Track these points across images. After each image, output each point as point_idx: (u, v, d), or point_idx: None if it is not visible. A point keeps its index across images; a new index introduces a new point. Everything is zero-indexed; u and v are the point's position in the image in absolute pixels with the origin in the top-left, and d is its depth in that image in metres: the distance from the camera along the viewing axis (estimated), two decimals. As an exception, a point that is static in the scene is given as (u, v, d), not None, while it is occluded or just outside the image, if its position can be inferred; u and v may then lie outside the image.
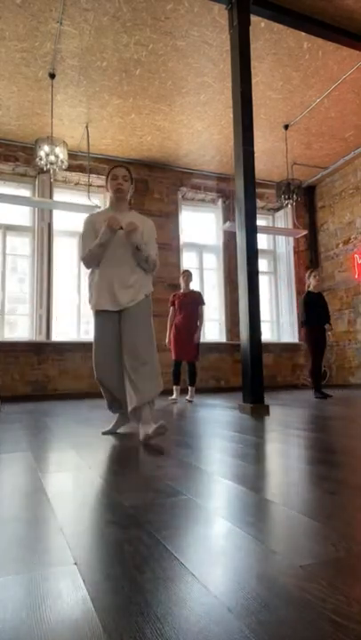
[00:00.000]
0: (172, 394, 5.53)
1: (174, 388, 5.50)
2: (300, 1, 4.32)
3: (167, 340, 5.58)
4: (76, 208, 6.20)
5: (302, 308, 5.57)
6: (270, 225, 8.39)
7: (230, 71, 4.37)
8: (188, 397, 5.41)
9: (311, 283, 5.73)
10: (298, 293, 7.83)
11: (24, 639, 0.66)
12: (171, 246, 7.29)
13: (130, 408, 2.59)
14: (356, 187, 7.41)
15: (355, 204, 7.45)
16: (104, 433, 2.79)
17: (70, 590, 0.82)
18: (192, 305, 5.53)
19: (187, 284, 5.63)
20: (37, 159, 5.21)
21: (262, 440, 2.44)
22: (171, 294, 5.82)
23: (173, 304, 5.63)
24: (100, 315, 2.70)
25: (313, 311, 5.52)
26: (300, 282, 7.96)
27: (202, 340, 7.48)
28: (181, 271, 5.99)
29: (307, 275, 5.87)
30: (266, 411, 3.81)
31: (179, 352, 5.47)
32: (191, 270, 5.89)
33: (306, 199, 8.26)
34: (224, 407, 4.56)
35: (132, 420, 2.74)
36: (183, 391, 5.77)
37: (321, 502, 1.31)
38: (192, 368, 5.50)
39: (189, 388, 5.49)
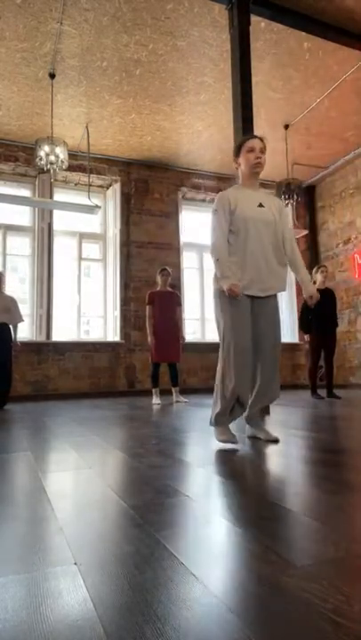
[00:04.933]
0: (152, 397, 5.27)
1: (154, 391, 5.23)
2: (301, 1, 4.32)
3: (149, 341, 5.28)
4: (76, 208, 6.20)
5: (301, 310, 5.41)
6: (270, 225, 8.38)
7: (230, 71, 4.37)
8: (181, 399, 5.29)
9: (318, 279, 5.45)
10: (298, 293, 7.82)
11: (24, 639, 0.67)
12: (171, 246, 7.29)
13: (255, 408, 2.46)
14: (356, 187, 7.41)
15: (355, 204, 7.45)
16: (226, 441, 2.30)
17: (70, 590, 0.82)
18: (171, 305, 5.35)
19: (165, 284, 5.41)
20: (37, 159, 5.20)
21: (262, 440, 2.44)
22: (148, 292, 5.49)
23: (151, 303, 5.33)
24: (237, 300, 2.36)
25: (317, 311, 5.27)
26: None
27: (202, 340, 7.52)
28: (160, 269, 5.54)
29: (313, 270, 5.61)
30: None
31: (163, 354, 5.23)
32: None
33: (306, 199, 8.26)
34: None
35: (251, 421, 2.51)
36: (162, 393, 5.42)
37: (321, 502, 1.31)
38: (175, 369, 5.35)
39: (175, 389, 5.34)
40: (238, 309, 2.36)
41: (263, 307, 2.46)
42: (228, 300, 2.37)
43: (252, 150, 2.41)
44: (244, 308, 2.39)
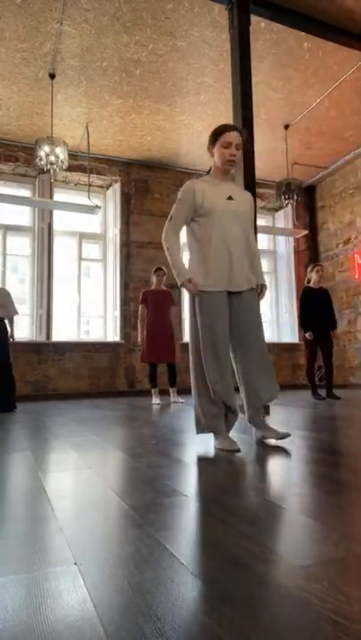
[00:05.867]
0: (151, 397, 5.29)
1: (153, 391, 5.25)
2: (301, 1, 4.32)
3: (140, 340, 5.31)
4: (76, 208, 6.20)
5: (301, 308, 5.36)
6: (270, 225, 8.40)
7: (230, 71, 4.37)
8: (178, 399, 5.28)
9: (312, 277, 5.40)
10: (298, 293, 7.82)
11: (24, 639, 0.67)
12: (171, 246, 7.28)
13: (252, 409, 2.30)
14: (357, 187, 7.41)
15: (355, 204, 7.45)
16: (226, 450, 2.15)
17: (70, 590, 0.82)
18: (165, 304, 5.33)
19: (160, 283, 5.39)
20: (37, 159, 5.20)
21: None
22: (141, 291, 5.48)
23: (144, 302, 5.30)
24: (213, 298, 2.25)
25: (312, 310, 5.26)
26: (300, 282, 7.95)
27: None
28: (155, 268, 5.50)
29: (308, 269, 5.55)
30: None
31: (154, 354, 5.21)
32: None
33: (306, 199, 8.26)
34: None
35: (254, 422, 2.37)
36: (160, 392, 5.46)
37: (321, 502, 1.31)
38: (173, 369, 5.32)
39: (172, 389, 5.33)
40: (215, 308, 2.23)
41: (242, 302, 2.32)
42: (204, 297, 2.25)
43: (228, 146, 2.29)
44: (221, 305, 2.25)
